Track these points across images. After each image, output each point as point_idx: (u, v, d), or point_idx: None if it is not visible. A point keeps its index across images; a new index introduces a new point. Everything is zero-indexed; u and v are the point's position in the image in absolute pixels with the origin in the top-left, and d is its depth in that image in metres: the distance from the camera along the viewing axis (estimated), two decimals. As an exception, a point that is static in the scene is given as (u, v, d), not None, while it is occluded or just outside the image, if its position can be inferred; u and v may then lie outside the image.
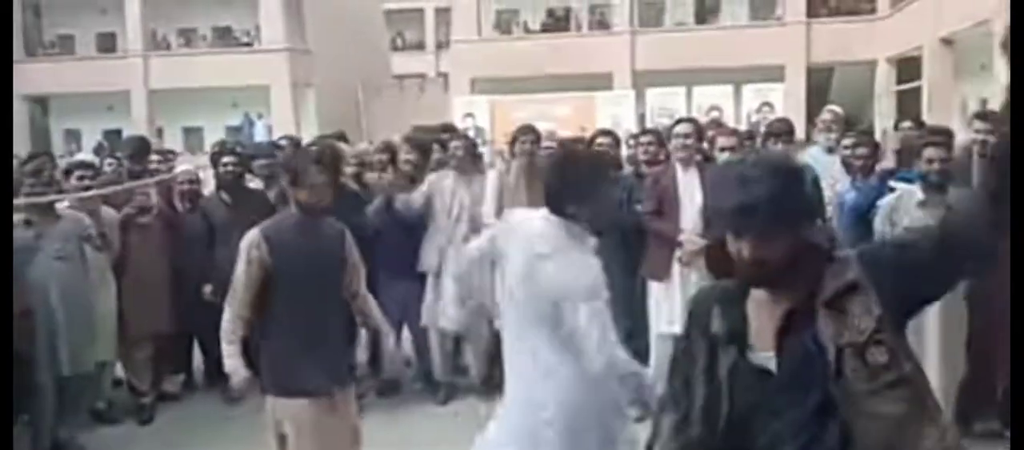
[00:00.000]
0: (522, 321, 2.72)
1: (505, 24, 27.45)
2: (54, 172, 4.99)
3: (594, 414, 2.68)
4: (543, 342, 2.65)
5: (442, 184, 5.17)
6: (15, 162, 5.41)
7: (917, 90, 19.57)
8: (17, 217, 4.33)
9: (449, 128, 6.70)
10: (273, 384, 3.21)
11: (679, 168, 4.80)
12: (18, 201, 4.31)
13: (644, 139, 5.42)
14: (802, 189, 1.77)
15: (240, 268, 3.14)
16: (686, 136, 4.80)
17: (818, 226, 4.56)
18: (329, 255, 3.29)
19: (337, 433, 3.26)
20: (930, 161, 4.05)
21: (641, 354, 5.02)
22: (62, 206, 4.56)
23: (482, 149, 7.10)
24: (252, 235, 3.16)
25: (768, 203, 1.67)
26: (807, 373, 1.69)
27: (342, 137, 6.79)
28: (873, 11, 23.58)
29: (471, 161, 5.33)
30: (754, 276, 1.75)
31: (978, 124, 4.66)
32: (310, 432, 3.16)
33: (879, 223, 4.25)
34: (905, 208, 4.15)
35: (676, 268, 4.72)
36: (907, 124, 6.22)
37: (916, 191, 4.15)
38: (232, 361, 3.16)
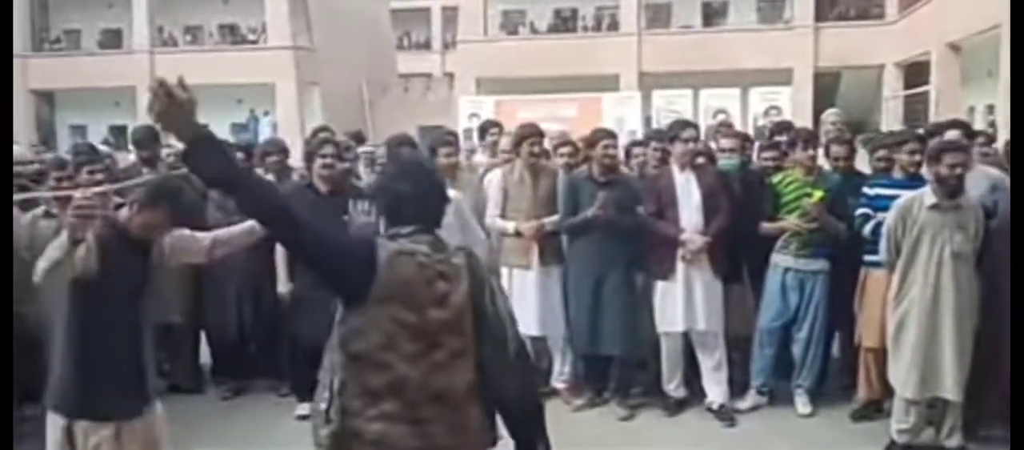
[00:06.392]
0: None
1: (512, 24, 27.47)
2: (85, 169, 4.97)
3: None
4: None
5: None
6: (32, 152, 5.50)
7: (924, 95, 19.54)
8: (38, 209, 4.50)
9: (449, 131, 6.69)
10: (72, 403, 2.96)
11: (676, 169, 4.90)
12: (42, 194, 4.44)
13: (654, 146, 5.46)
14: None
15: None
16: (693, 140, 4.97)
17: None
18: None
19: None
20: (952, 167, 4.04)
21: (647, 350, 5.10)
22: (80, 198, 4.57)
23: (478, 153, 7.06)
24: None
25: None
26: None
27: (359, 137, 6.81)
28: (881, 16, 23.56)
29: (456, 168, 5.31)
30: None
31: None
32: None
33: (890, 223, 4.24)
34: (917, 210, 4.15)
35: (680, 266, 4.82)
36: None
37: (927, 194, 4.15)
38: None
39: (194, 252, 3.36)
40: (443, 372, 2.24)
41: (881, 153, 4.99)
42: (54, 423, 3.02)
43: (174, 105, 2.08)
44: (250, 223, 3.32)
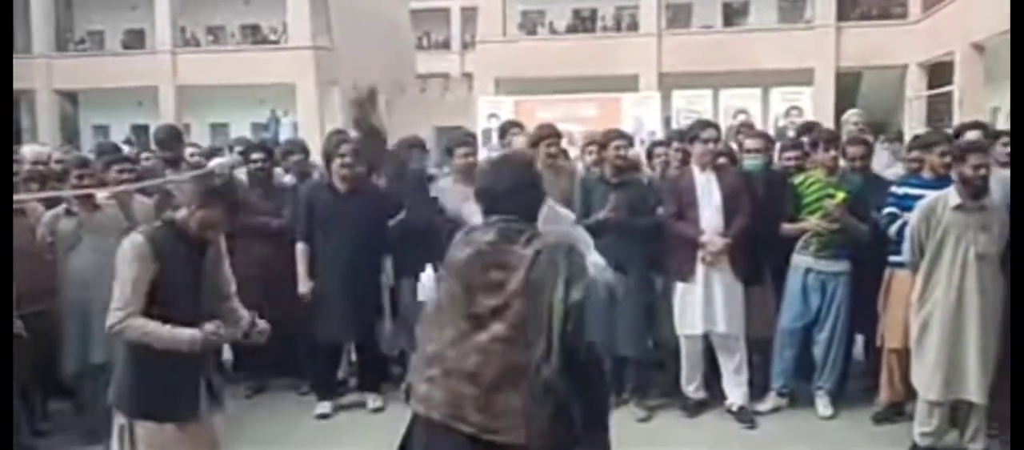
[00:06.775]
0: None
1: (531, 24, 27.45)
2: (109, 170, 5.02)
3: None
4: None
5: (446, 192, 5.14)
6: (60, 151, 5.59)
7: (948, 95, 19.33)
8: (60, 208, 4.58)
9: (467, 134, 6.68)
10: (132, 402, 3.03)
11: (696, 170, 4.87)
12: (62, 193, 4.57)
13: (675, 146, 5.45)
14: None
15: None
16: (714, 141, 4.94)
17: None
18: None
19: None
20: (976, 168, 4.00)
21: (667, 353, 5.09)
22: (101, 197, 4.64)
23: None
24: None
25: None
26: None
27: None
28: (904, 15, 23.33)
29: (473, 168, 5.25)
30: None
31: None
32: None
33: (914, 224, 4.20)
34: (942, 210, 4.11)
35: (700, 268, 4.79)
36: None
37: (951, 194, 4.10)
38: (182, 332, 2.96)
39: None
40: (481, 355, 2.32)
41: (914, 154, 4.95)
42: (117, 420, 3.09)
43: (375, 113, 2.41)
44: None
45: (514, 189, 2.49)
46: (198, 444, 3.11)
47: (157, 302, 2.96)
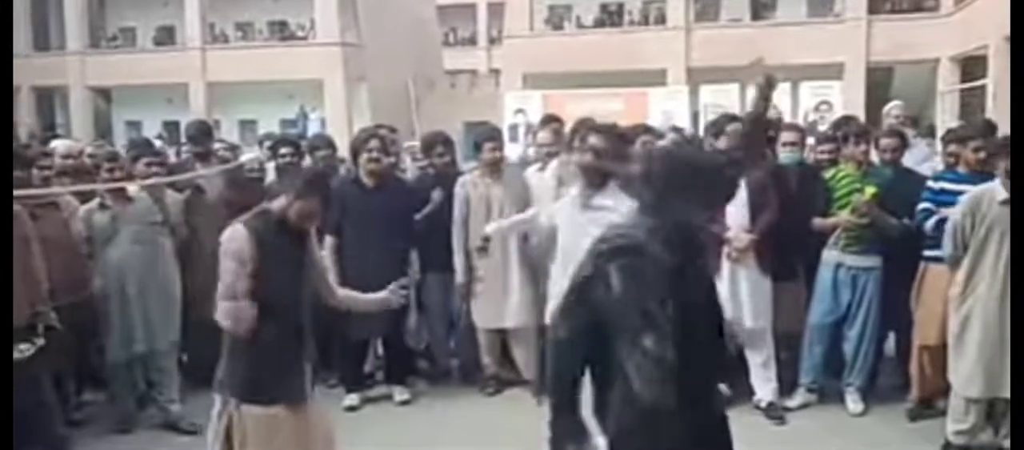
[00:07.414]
0: None
1: (558, 19, 27.44)
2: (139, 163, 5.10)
3: None
4: None
5: (470, 185, 5.17)
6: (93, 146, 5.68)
7: (981, 89, 19.00)
8: (93, 202, 4.67)
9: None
10: (235, 387, 3.11)
11: None
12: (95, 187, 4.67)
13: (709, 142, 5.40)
14: None
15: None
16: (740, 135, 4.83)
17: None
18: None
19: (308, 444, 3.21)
20: None
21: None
22: (133, 190, 4.71)
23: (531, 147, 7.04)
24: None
25: None
26: None
27: (391, 131, 6.86)
28: (936, 8, 22.97)
29: (500, 162, 5.25)
30: None
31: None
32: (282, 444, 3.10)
33: (958, 218, 4.12)
34: (988, 205, 4.02)
35: (725, 264, 4.74)
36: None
37: (998, 189, 4.02)
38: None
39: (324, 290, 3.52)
40: None
41: (951, 147, 4.87)
42: (217, 406, 3.18)
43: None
44: (378, 297, 3.62)
45: (645, 181, 2.36)
46: (307, 428, 3.19)
47: (259, 290, 3.04)
